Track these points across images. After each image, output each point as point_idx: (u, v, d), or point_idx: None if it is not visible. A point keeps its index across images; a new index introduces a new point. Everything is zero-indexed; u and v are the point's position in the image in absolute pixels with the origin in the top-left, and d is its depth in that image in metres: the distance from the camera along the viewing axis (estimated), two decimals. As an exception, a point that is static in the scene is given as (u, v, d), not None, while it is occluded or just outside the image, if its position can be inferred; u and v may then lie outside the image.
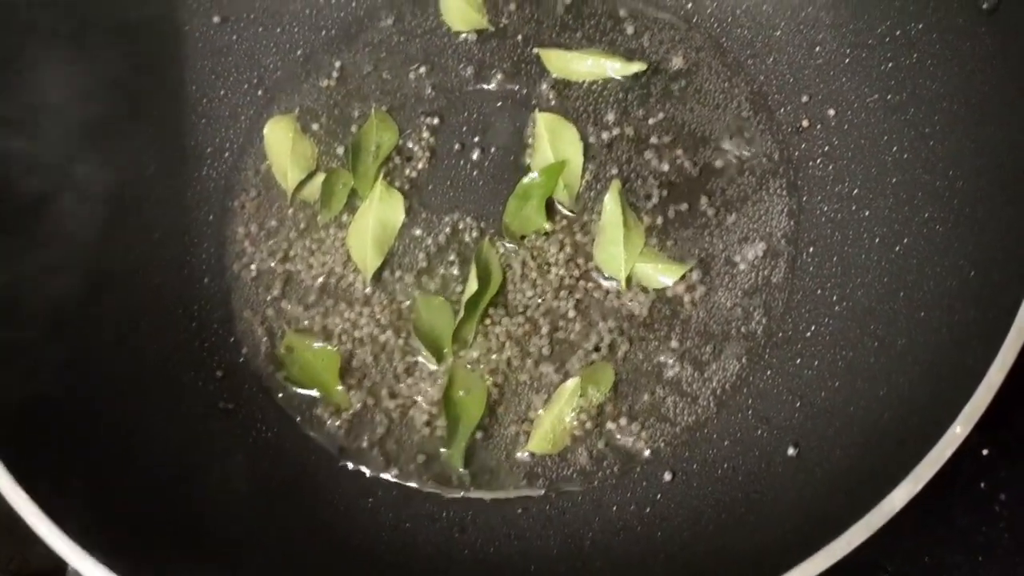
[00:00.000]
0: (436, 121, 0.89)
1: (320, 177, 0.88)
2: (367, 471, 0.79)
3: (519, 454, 0.79)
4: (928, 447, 0.56)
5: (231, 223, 0.88)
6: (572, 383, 0.79)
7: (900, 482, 0.55)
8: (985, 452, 0.83)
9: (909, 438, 0.61)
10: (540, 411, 0.79)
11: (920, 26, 0.78)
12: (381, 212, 0.85)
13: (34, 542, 0.57)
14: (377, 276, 0.84)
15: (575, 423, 0.79)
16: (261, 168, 0.89)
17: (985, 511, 0.82)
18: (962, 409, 0.56)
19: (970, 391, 0.57)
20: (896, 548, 0.81)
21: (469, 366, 0.80)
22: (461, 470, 0.78)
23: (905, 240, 0.76)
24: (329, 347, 0.82)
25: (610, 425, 0.79)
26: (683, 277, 0.82)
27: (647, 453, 0.78)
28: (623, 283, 0.82)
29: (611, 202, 0.83)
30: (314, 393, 0.81)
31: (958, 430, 0.56)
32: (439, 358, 0.80)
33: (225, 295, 0.85)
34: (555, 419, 0.78)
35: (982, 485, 0.83)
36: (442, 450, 0.79)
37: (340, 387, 0.81)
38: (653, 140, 0.87)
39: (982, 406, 0.56)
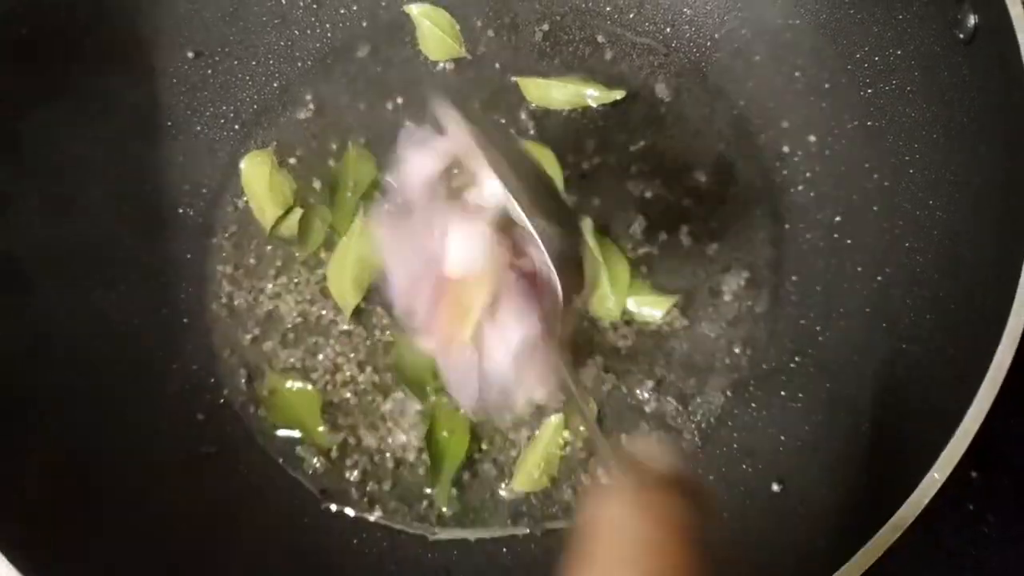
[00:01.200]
0: (413, 153, 0.89)
1: (297, 213, 0.87)
2: (350, 512, 0.79)
3: (503, 492, 0.78)
4: (908, 490, 0.56)
5: (210, 261, 0.87)
6: (556, 419, 0.79)
7: (879, 530, 0.55)
8: (974, 474, 0.83)
9: (891, 478, 0.61)
10: (524, 449, 0.79)
11: (898, 53, 0.77)
12: (361, 249, 0.84)
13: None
14: (357, 312, 0.84)
15: (559, 459, 0.78)
16: (239, 204, 0.89)
17: (974, 533, 0.82)
18: (940, 454, 0.56)
19: (948, 435, 0.56)
20: (884, 571, 0.81)
21: (452, 405, 0.80)
22: (444, 509, 0.78)
23: (887, 270, 0.76)
24: (310, 387, 0.82)
25: (595, 460, 0.78)
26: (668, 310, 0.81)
27: (632, 488, 0.77)
28: (617, 317, 0.81)
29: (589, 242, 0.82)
30: (295, 434, 0.81)
31: (935, 476, 0.56)
32: (422, 398, 0.80)
33: (205, 335, 0.85)
34: (539, 456, 0.78)
35: (971, 507, 0.83)
36: (427, 490, 0.78)
37: (321, 428, 0.80)
38: (634, 168, 0.87)
39: (959, 452, 0.56)
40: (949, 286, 0.69)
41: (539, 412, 0.80)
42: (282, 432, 0.81)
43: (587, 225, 0.82)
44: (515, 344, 0.67)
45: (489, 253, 0.72)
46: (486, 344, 0.71)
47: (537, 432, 0.79)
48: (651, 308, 0.82)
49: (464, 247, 0.69)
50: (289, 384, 0.82)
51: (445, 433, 0.79)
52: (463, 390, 0.73)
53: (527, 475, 0.78)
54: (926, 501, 0.56)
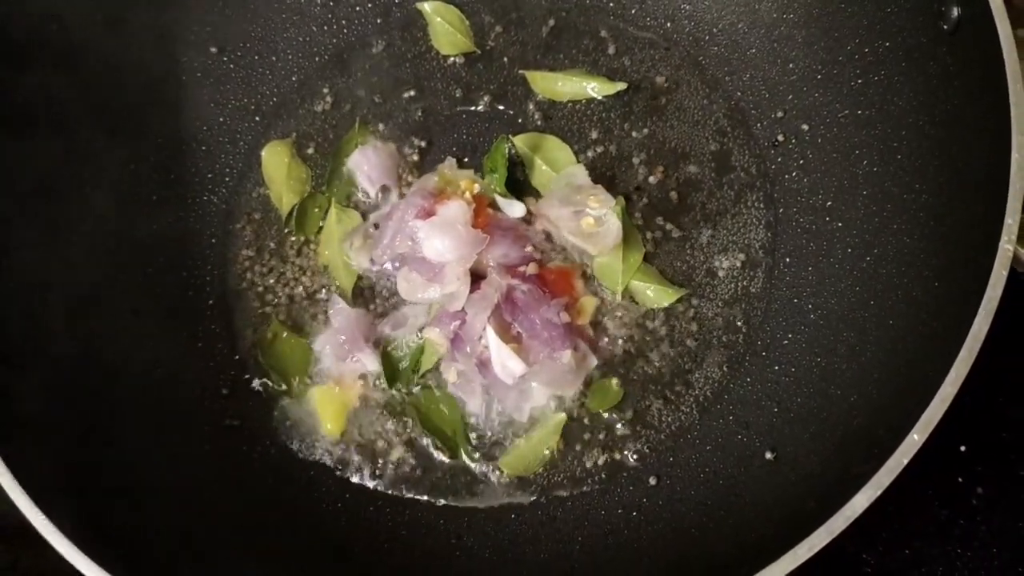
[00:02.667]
0: (425, 144, 0.93)
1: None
2: (365, 483, 0.83)
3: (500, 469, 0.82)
4: (889, 452, 0.60)
5: (233, 245, 0.91)
6: (559, 417, 0.82)
7: (862, 488, 0.59)
8: (962, 448, 0.87)
9: (876, 444, 0.65)
10: (520, 437, 0.82)
11: (887, 44, 0.81)
12: (341, 231, 0.89)
13: (43, 546, 0.62)
14: (358, 290, 0.88)
15: (553, 452, 0.82)
16: (260, 192, 0.93)
17: (962, 505, 0.86)
18: (919, 418, 0.60)
19: (927, 401, 0.60)
20: (876, 541, 0.85)
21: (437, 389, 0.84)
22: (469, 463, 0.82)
23: (875, 251, 0.79)
24: (305, 341, 0.86)
25: (600, 433, 0.82)
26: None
27: (633, 459, 0.81)
28: (618, 295, 0.85)
29: (612, 218, 0.85)
30: (313, 409, 0.85)
31: (915, 437, 0.60)
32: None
33: (228, 315, 0.89)
34: (534, 445, 0.82)
35: (960, 480, 0.86)
36: (437, 457, 0.82)
37: (307, 380, 0.85)
38: (635, 157, 0.91)
39: (937, 415, 0.60)
40: (934, 264, 0.73)
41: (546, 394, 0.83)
42: (298, 409, 0.85)
43: (619, 202, 0.85)
44: (517, 375, 0.74)
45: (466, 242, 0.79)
46: (492, 371, 0.77)
47: (539, 422, 0.82)
48: (658, 296, 0.85)
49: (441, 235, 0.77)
50: (286, 334, 0.86)
51: (439, 411, 0.83)
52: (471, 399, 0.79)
53: (517, 459, 0.81)
54: (905, 461, 0.59)
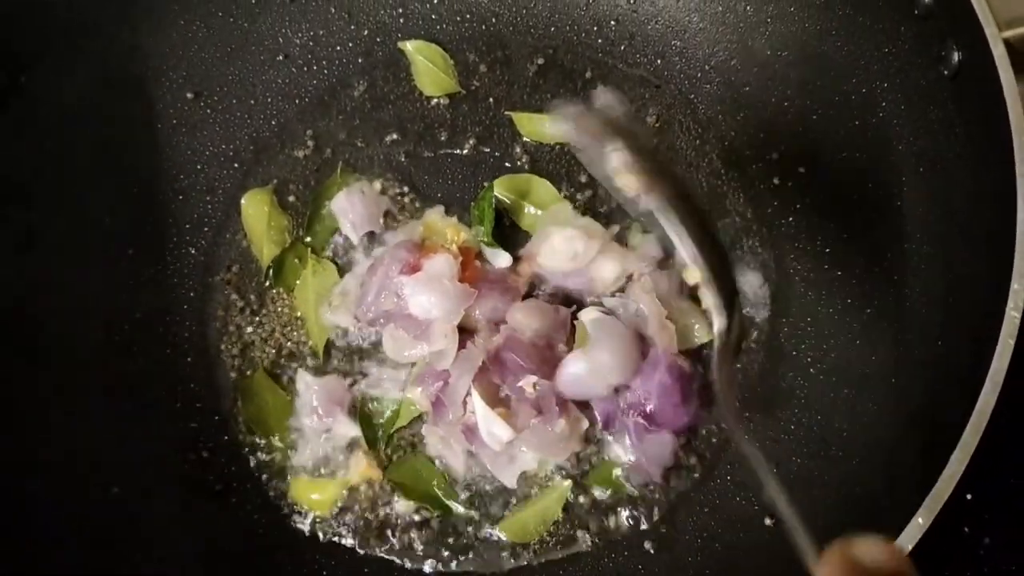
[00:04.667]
0: (407, 188, 0.90)
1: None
2: (349, 545, 0.80)
3: (498, 533, 0.80)
4: (895, 534, 0.57)
5: (212, 299, 0.88)
6: (563, 487, 0.79)
7: None
8: (969, 497, 0.84)
9: (879, 517, 0.62)
10: (523, 501, 0.80)
11: (885, 85, 0.78)
12: (317, 284, 0.86)
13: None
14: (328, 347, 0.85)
15: (557, 518, 0.79)
16: (240, 242, 0.90)
17: (969, 555, 0.83)
18: (924, 500, 0.57)
19: (933, 479, 0.57)
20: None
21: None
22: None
23: (876, 302, 0.77)
24: (287, 397, 0.83)
25: (597, 494, 0.80)
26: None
27: (628, 523, 0.79)
28: None
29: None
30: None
31: (920, 522, 0.57)
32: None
33: (209, 372, 0.86)
34: (537, 512, 0.79)
35: (966, 529, 0.84)
36: (424, 517, 0.80)
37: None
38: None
39: (944, 495, 0.57)
40: (936, 321, 0.70)
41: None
42: (283, 471, 0.82)
43: None
44: (504, 441, 0.71)
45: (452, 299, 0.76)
46: (479, 434, 0.75)
47: (544, 489, 0.80)
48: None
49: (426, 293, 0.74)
50: (271, 386, 0.84)
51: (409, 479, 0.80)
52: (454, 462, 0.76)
53: (521, 526, 0.78)
54: (910, 546, 0.56)
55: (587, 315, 0.77)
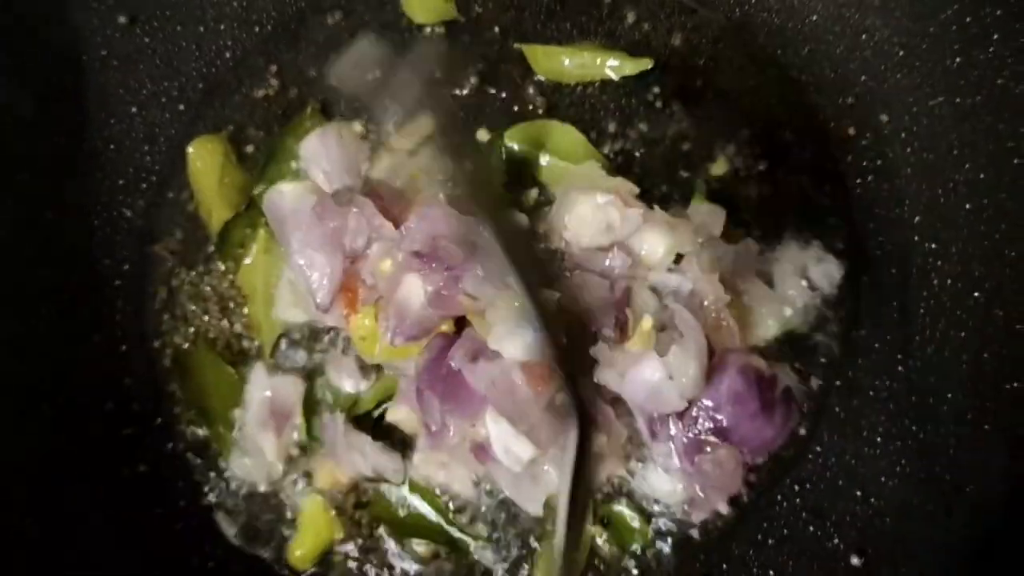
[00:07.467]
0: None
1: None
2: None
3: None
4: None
5: (151, 273, 0.73)
6: (591, 533, 0.66)
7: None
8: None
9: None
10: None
11: (998, 12, 0.63)
12: (269, 266, 0.71)
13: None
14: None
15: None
16: (186, 203, 0.74)
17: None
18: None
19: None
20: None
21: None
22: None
23: (986, 285, 0.62)
24: (233, 371, 0.70)
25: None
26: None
27: (670, 552, 0.64)
28: None
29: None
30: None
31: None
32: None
33: (148, 366, 0.71)
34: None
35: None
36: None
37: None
38: (664, 157, 0.72)
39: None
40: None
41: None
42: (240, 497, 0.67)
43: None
44: (526, 459, 0.56)
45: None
46: (490, 456, 0.59)
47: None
48: None
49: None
50: (213, 359, 0.71)
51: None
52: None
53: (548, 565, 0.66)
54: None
55: (647, 302, 0.60)
